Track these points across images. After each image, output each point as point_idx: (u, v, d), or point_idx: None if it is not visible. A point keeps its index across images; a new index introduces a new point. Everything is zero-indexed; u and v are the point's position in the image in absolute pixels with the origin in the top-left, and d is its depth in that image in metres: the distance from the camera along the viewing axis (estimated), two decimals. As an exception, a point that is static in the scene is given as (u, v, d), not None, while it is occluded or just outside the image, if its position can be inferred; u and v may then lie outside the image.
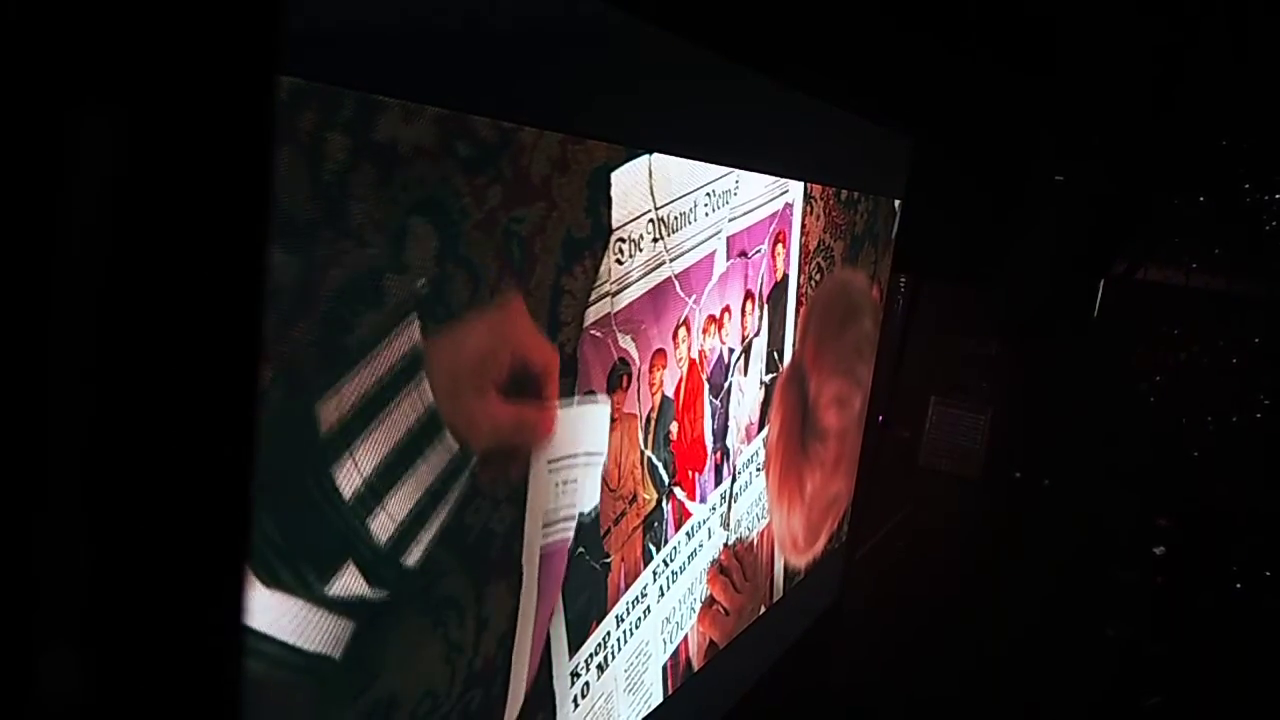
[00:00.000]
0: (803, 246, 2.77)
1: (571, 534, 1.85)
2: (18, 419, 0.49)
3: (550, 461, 1.72)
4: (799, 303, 2.83)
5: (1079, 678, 4.53)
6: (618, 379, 1.92)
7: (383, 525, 1.33)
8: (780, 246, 2.64)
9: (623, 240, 1.84)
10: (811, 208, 2.79)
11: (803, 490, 3.24)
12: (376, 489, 1.30)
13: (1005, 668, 4.29)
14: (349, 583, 1.30)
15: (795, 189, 2.66)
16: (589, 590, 1.96)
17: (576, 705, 1.98)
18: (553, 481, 1.74)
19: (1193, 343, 6.17)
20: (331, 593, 1.27)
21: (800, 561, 3.36)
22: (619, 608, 2.10)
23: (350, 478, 1.25)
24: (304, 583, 1.23)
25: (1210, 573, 5.46)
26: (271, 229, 1.07)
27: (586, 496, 1.89)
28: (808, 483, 3.27)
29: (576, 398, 1.77)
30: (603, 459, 1.92)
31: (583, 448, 1.83)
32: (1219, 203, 5.69)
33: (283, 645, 1.22)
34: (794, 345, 2.87)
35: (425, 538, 1.43)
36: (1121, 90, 4.38)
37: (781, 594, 3.18)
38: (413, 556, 1.41)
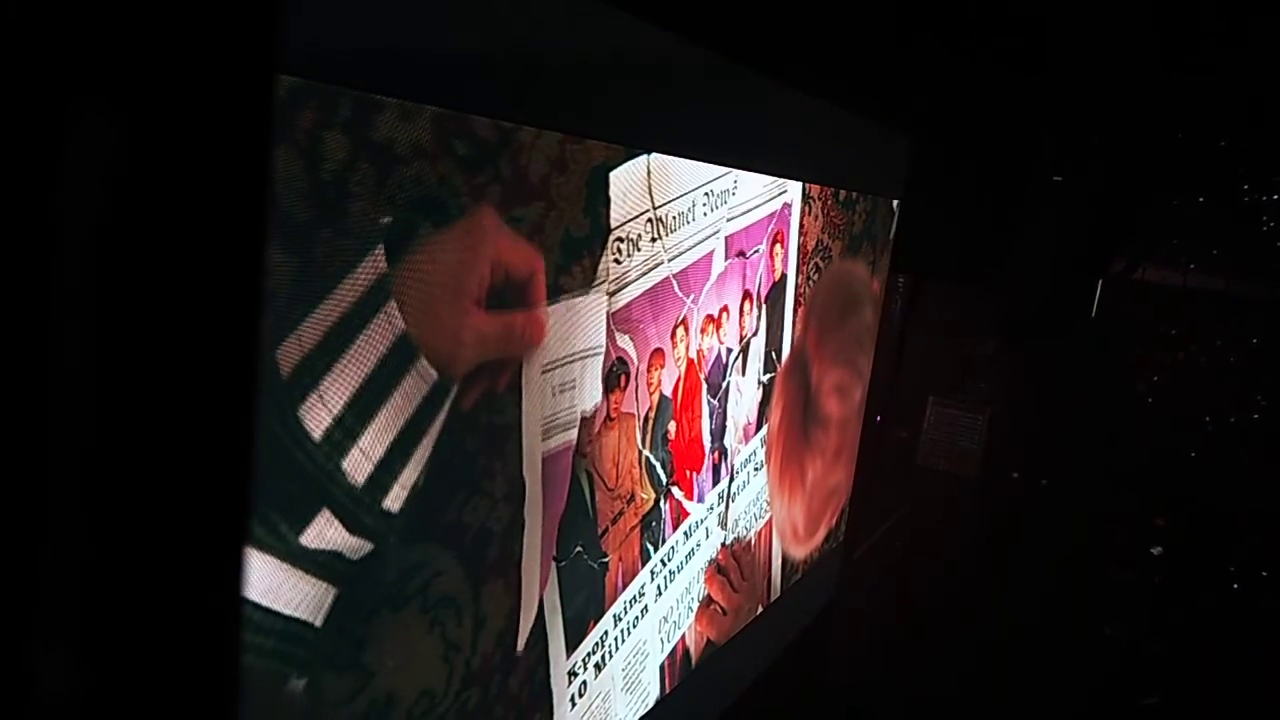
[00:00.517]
0: (801, 246, 2.78)
1: (575, 435, 1.80)
2: (19, 414, 0.49)
3: (545, 367, 1.66)
4: (797, 302, 2.83)
5: (1076, 677, 4.54)
6: (615, 378, 1.92)
7: (357, 464, 1.28)
8: (778, 246, 2.64)
9: (621, 240, 1.84)
10: (810, 208, 2.79)
11: (804, 477, 3.24)
12: (348, 425, 1.25)
13: (1002, 667, 4.30)
14: (325, 531, 1.25)
15: (793, 189, 2.66)
16: (586, 589, 1.97)
17: (574, 704, 1.98)
18: (549, 387, 1.69)
19: (1190, 343, 6.18)
20: (306, 543, 1.23)
21: (800, 552, 3.36)
22: (616, 607, 2.10)
23: (318, 416, 1.21)
24: (275, 534, 1.18)
25: (1208, 573, 5.47)
26: (270, 228, 1.07)
27: (588, 394, 1.83)
28: (809, 470, 3.28)
29: (565, 296, 1.69)
30: (602, 350, 1.85)
31: (579, 346, 1.77)
32: (1217, 203, 5.70)
33: (254, 606, 1.18)
34: (795, 334, 2.88)
35: (406, 477, 1.38)
36: (1120, 90, 4.39)
37: (779, 593, 3.19)
38: (394, 500, 1.37)
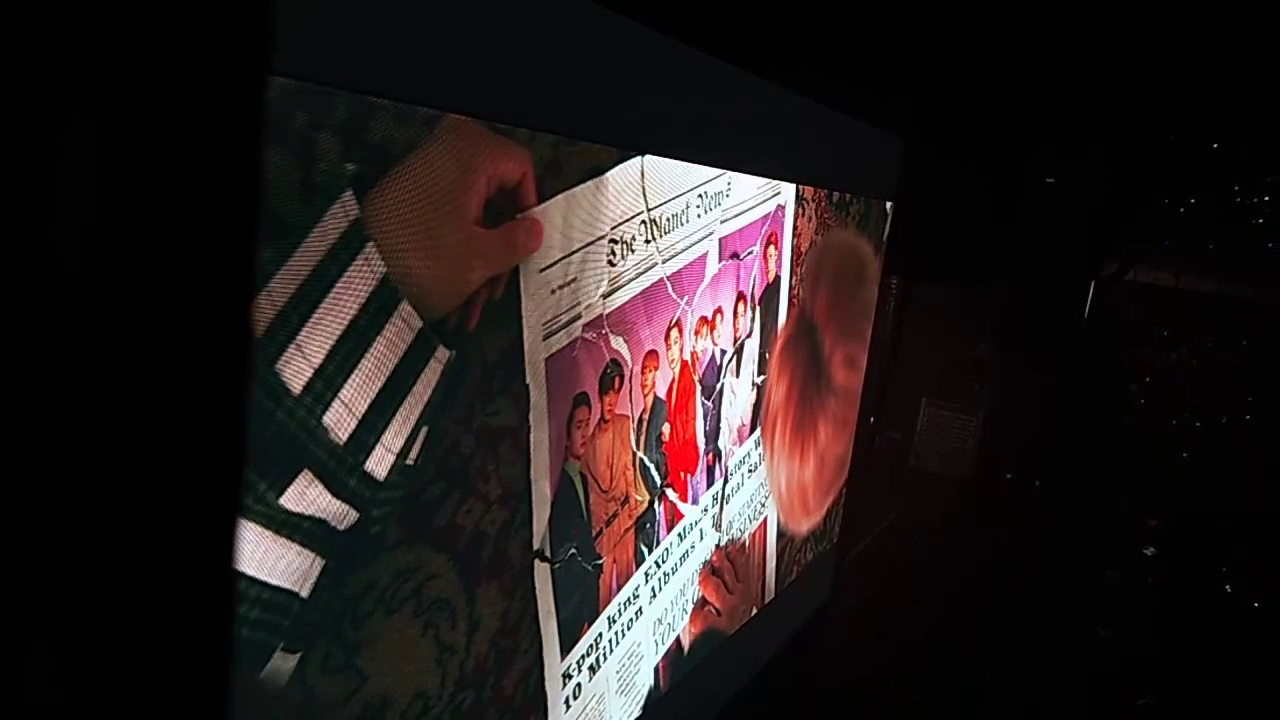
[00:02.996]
0: (795, 248, 2.78)
1: (579, 330, 1.77)
2: (17, 414, 0.49)
3: (541, 270, 1.62)
4: (791, 304, 2.83)
5: (1070, 678, 4.55)
6: (609, 380, 1.92)
7: (339, 419, 1.25)
8: (772, 248, 2.64)
9: (615, 241, 1.84)
10: (804, 209, 2.79)
11: (816, 439, 3.29)
12: (328, 376, 1.22)
13: (996, 668, 4.30)
14: (307, 492, 1.22)
15: (787, 190, 2.67)
16: (580, 591, 1.96)
17: (568, 707, 1.98)
18: (549, 288, 1.66)
19: (1182, 344, 6.20)
20: (288, 505, 1.20)
21: (805, 526, 3.38)
22: (610, 609, 2.10)
23: (298, 369, 1.17)
24: (254, 494, 1.16)
25: (1201, 573, 5.49)
26: (261, 227, 1.07)
27: (592, 286, 1.79)
28: (821, 431, 3.33)
29: (560, 193, 1.63)
30: (607, 240, 1.80)
31: (578, 241, 1.72)
32: (1209, 205, 5.72)
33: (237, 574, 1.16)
34: (798, 295, 2.87)
35: (391, 439, 1.35)
36: (1113, 93, 4.40)
37: (773, 595, 3.19)
38: (378, 463, 1.33)
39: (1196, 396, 6.08)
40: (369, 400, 1.29)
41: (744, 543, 2.86)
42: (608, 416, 1.94)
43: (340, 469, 1.27)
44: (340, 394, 1.25)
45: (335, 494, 1.27)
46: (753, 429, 2.77)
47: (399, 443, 1.36)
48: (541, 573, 1.81)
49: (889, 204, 3.55)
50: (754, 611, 3.04)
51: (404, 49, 1.26)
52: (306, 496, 1.23)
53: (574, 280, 1.74)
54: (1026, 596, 4.95)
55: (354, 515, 1.31)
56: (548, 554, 1.81)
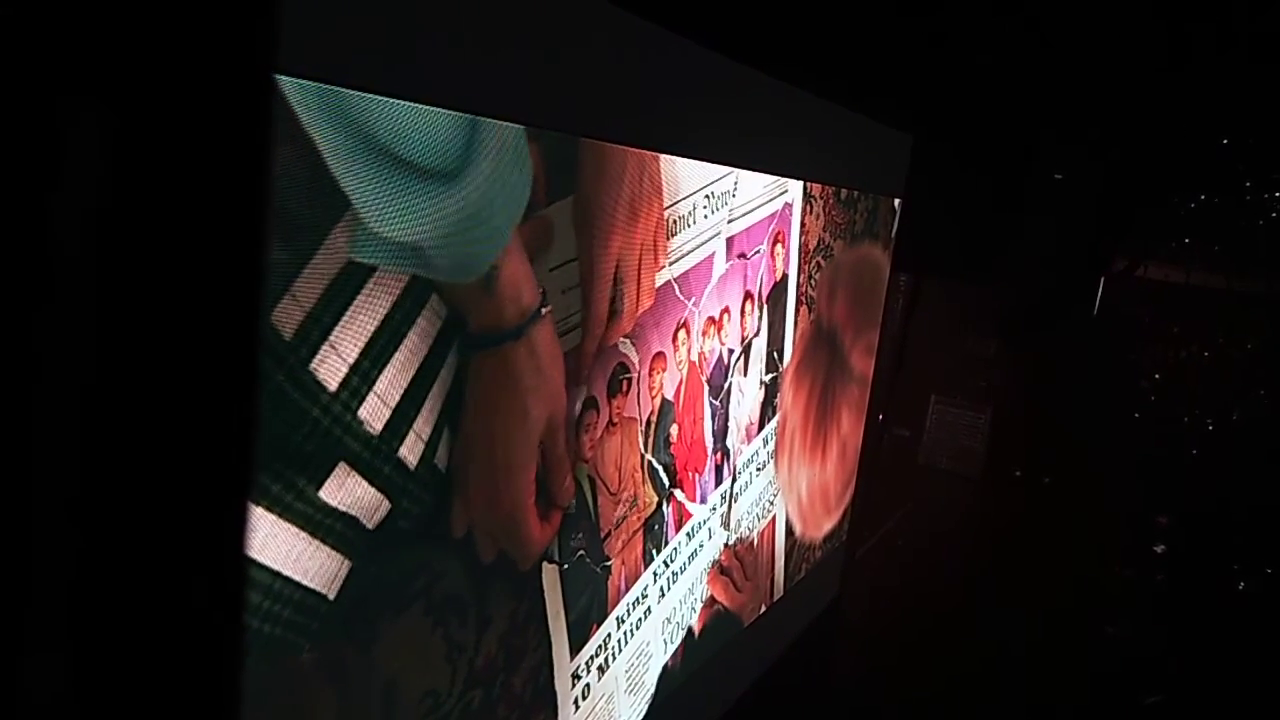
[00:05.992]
0: (802, 245, 2.78)
1: (580, 337, 1.79)
2: (20, 413, 0.50)
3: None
4: (799, 302, 2.83)
5: (1079, 676, 4.54)
6: (618, 383, 1.92)
7: (374, 410, 1.29)
8: (779, 246, 2.64)
9: (622, 243, 1.84)
10: (811, 207, 2.79)
11: (839, 429, 3.35)
12: (364, 371, 1.26)
13: (1005, 665, 4.30)
14: (345, 482, 1.26)
15: (794, 188, 2.66)
16: (589, 592, 1.97)
17: (578, 707, 1.99)
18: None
19: (1193, 340, 6.17)
20: (326, 498, 1.24)
21: (827, 525, 3.45)
22: (619, 609, 2.11)
23: (333, 367, 1.21)
24: (294, 490, 1.19)
25: (1211, 570, 5.47)
26: (270, 223, 1.07)
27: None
28: (844, 420, 3.39)
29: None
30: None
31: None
32: (1219, 200, 5.69)
33: (274, 574, 1.19)
34: (811, 303, 2.91)
35: (423, 426, 1.39)
36: (1122, 87, 4.38)
37: (782, 592, 3.19)
38: (410, 450, 1.37)
39: (1207, 393, 6.05)
40: (402, 389, 1.34)
41: (752, 541, 2.87)
42: (616, 419, 1.95)
43: (376, 457, 1.32)
44: (375, 387, 1.29)
45: (371, 482, 1.31)
46: (761, 427, 2.77)
47: (428, 429, 1.40)
48: (550, 574, 1.82)
49: (897, 201, 3.54)
50: (763, 609, 3.04)
51: (408, 46, 1.27)
52: (345, 488, 1.27)
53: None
54: (1035, 594, 4.94)
55: (386, 507, 1.35)
56: (556, 556, 1.82)
